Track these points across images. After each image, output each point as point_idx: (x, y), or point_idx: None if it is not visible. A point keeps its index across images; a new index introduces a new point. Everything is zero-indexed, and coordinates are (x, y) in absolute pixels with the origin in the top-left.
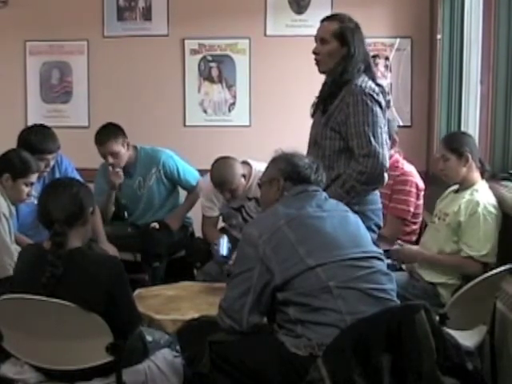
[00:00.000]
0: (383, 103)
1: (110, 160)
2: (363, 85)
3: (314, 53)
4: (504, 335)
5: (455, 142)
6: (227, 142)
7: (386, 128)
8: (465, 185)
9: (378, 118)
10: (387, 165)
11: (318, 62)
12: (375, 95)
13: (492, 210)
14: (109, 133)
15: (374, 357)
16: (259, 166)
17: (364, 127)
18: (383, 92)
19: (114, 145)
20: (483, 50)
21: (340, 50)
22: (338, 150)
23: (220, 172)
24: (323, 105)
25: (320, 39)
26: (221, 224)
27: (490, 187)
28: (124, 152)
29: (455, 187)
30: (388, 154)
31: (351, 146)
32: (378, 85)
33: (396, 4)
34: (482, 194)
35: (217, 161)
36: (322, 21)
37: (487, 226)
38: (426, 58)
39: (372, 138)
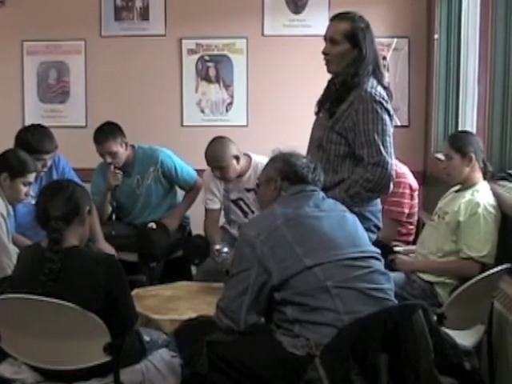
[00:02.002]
0: (392, 111)
1: (109, 159)
2: (373, 91)
3: (324, 53)
4: (501, 335)
5: (460, 142)
6: None
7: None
8: (466, 184)
9: (387, 126)
10: (394, 174)
11: (327, 63)
12: (385, 103)
13: (492, 210)
14: (107, 132)
15: (371, 356)
16: (259, 159)
17: (374, 136)
18: (390, 95)
19: (113, 144)
20: (480, 49)
21: (351, 51)
22: (342, 155)
23: (212, 148)
24: (330, 107)
25: (330, 39)
26: (222, 220)
27: (491, 188)
28: (122, 151)
29: (457, 187)
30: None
31: (361, 154)
32: (384, 87)
33: (393, 4)
34: (483, 195)
35: (213, 139)
36: (332, 19)
37: (487, 227)
38: (424, 58)
39: (382, 148)
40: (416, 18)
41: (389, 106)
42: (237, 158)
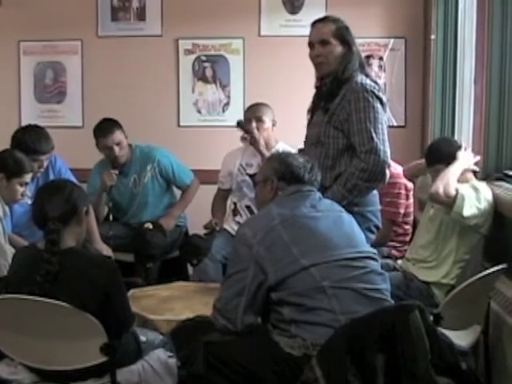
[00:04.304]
0: (384, 99)
1: (116, 150)
2: (364, 82)
3: (316, 56)
4: (498, 335)
5: (438, 154)
6: (221, 142)
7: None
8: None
9: (380, 114)
10: (388, 161)
11: (319, 65)
12: (376, 91)
13: (485, 200)
14: (112, 124)
15: (368, 357)
16: (283, 146)
17: (366, 124)
18: (380, 89)
19: (120, 134)
20: (477, 50)
21: (342, 49)
22: (340, 149)
23: (257, 103)
24: (324, 104)
25: (320, 41)
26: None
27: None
28: (126, 143)
29: None
30: (389, 150)
31: (353, 142)
32: (374, 82)
33: (390, 4)
34: (482, 188)
35: None
36: (314, 23)
37: (474, 199)
38: (420, 59)
39: (374, 135)
40: (413, 18)
41: (381, 94)
42: (273, 123)
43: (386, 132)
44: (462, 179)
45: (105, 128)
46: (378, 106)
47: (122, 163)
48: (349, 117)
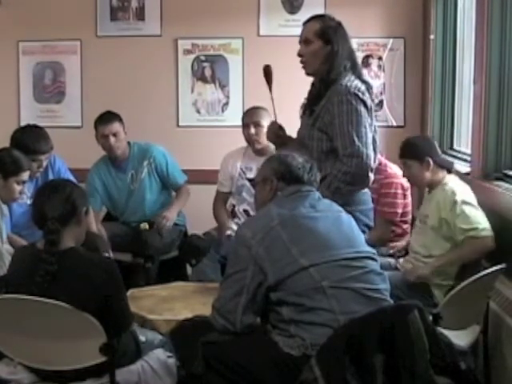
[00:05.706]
0: (369, 102)
1: (112, 140)
2: (349, 84)
3: (299, 55)
4: (497, 335)
5: (413, 150)
6: (220, 142)
7: (373, 127)
8: (434, 185)
9: (363, 117)
10: (372, 164)
11: (303, 65)
12: (360, 94)
13: (467, 196)
14: (113, 116)
15: (367, 357)
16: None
17: (348, 127)
18: (369, 89)
19: (118, 125)
20: (476, 49)
21: (324, 48)
22: (325, 151)
23: (256, 107)
24: (310, 105)
25: (304, 40)
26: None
27: (482, 187)
28: (124, 137)
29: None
30: (373, 153)
31: (336, 146)
32: (364, 82)
33: (389, 4)
34: (453, 184)
35: None
36: (304, 23)
37: (471, 209)
38: (419, 58)
39: (356, 138)
40: (412, 18)
41: (365, 98)
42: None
43: (369, 135)
44: (436, 183)
45: (105, 118)
46: (362, 109)
47: (117, 156)
48: (332, 120)
